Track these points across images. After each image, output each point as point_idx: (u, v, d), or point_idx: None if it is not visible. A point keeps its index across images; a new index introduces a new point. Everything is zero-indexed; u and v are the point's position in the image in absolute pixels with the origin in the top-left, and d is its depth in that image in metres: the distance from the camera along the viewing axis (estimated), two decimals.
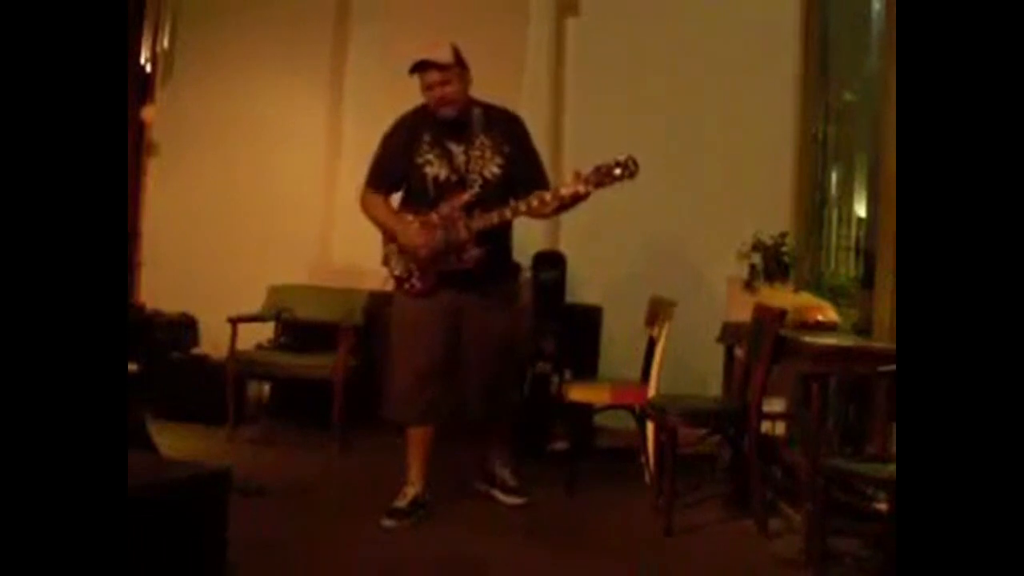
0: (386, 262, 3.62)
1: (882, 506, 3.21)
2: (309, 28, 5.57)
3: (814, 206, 4.83)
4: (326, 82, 5.58)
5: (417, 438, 3.60)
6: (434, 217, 3.47)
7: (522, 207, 3.40)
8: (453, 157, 3.51)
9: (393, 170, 3.59)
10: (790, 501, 3.64)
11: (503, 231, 3.59)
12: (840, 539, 3.17)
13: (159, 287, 5.66)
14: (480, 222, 3.43)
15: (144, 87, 5.75)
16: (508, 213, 3.42)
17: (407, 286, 3.56)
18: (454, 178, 3.49)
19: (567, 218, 4.01)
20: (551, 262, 4.85)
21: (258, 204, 5.58)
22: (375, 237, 3.77)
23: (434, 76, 3.45)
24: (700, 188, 4.91)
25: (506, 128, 3.59)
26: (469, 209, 3.45)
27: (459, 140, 3.52)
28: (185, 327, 5.47)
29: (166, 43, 5.66)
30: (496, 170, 3.51)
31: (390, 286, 3.69)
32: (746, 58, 4.86)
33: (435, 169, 3.50)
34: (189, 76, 5.75)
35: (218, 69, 5.69)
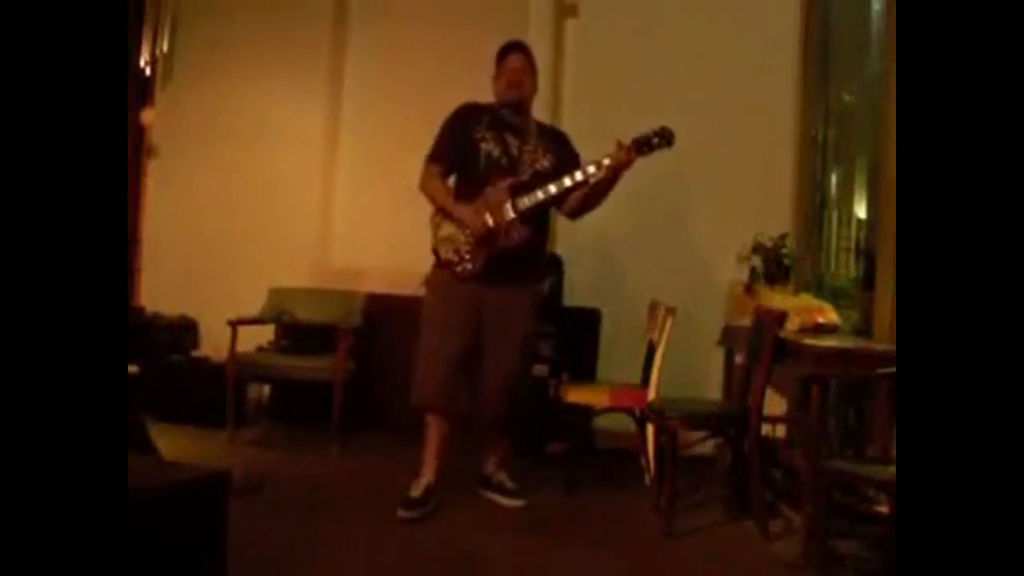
0: (435, 251, 3.68)
1: (883, 508, 3.20)
2: (308, 31, 5.58)
3: (814, 208, 4.83)
4: (325, 84, 5.58)
5: (434, 429, 3.66)
6: (481, 203, 3.55)
7: (567, 181, 3.49)
8: (508, 146, 3.64)
9: (452, 145, 3.68)
10: (791, 503, 3.64)
11: (542, 228, 3.69)
12: (841, 541, 3.16)
13: (159, 290, 5.67)
14: (527, 201, 3.52)
15: (144, 90, 5.76)
16: (552, 188, 3.51)
17: (459, 268, 3.60)
18: (504, 160, 3.60)
19: (564, 220, 4.01)
20: (548, 264, 4.85)
21: (257, 206, 5.59)
22: (374, 239, 3.78)
23: (517, 60, 3.65)
24: (700, 190, 4.91)
25: (557, 138, 3.80)
26: (515, 194, 3.54)
27: (515, 135, 3.66)
28: (185, 329, 5.47)
29: (165, 46, 5.67)
30: (547, 164, 3.63)
31: (423, 288, 3.74)
32: (746, 60, 4.87)
33: (489, 146, 3.63)
34: (188, 79, 5.75)
35: (217, 72, 5.69)
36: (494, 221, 3.52)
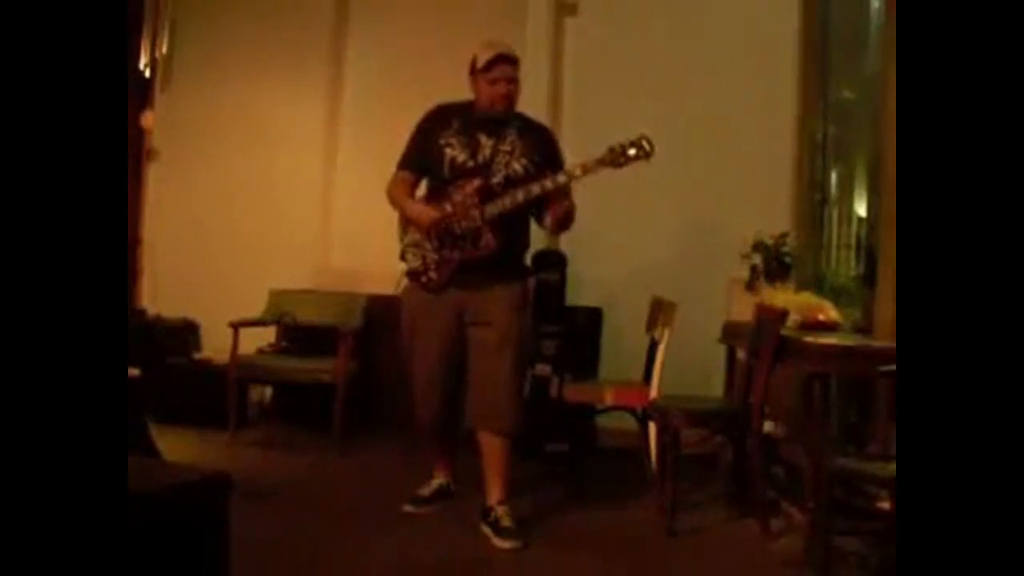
0: (403, 257, 3.57)
1: (885, 505, 3.20)
2: (308, 32, 5.58)
3: (815, 205, 4.83)
4: (325, 86, 5.59)
5: (433, 436, 3.65)
6: (447, 207, 3.40)
7: (535, 188, 3.30)
8: (480, 148, 3.44)
9: (418, 152, 3.55)
10: (793, 501, 3.64)
11: (519, 230, 3.51)
12: (843, 538, 3.16)
13: (160, 292, 5.68)
14: (494, 207, 3.34)
15: (144, 93, 5.76)
16: (520, 196, 3.31)
17: (424, 279, 3.48)
18: (472, 164, 3.42)
19: None
20: (551, 262, 4.85)
21: (258, 208, 5.60)
22: (375, 240, 3.77)
23: (507, 70, 3.42)
24: (700, 188, 4.91)
25: (540, 137, 3.55)
26: (485, 199, 3.37)
27: (490, 134, 3.45)
28: (187, 332, 5.47)
29: (165, 48, 5.67)
30: (518, 168, 3.42)
31: (401, 288, 3.62)
32: (745, 58, 4.87)
33: (455, 152, 3.44)
34: (188, 82, 5.76)
35: (217, 74, 5.70)
36: (461, 225, 3.37)
